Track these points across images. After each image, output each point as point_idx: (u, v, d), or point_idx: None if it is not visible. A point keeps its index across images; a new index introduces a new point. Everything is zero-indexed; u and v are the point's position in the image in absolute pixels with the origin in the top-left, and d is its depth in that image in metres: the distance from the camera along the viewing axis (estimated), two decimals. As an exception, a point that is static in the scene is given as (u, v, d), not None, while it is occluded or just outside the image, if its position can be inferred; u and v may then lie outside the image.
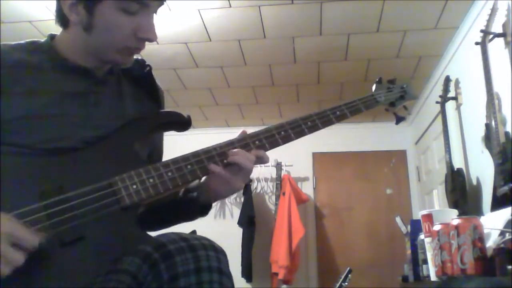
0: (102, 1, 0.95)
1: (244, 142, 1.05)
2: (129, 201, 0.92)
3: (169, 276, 0.84)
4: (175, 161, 0.99)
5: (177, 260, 0.85)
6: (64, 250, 0.85)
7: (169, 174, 0.97)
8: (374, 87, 1.26)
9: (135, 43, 1.00)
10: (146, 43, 1.02)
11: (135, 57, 1.11)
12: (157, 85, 1.16)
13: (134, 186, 0.93)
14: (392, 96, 1.25)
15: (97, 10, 0.95)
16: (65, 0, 0.97)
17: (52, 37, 1.06)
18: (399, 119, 1.27)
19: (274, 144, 1.07)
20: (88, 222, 0.88)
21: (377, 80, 1.27)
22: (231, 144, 1.04)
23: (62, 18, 1.01)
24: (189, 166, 0.99)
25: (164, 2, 1.02)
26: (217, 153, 1.02)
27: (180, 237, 0.90)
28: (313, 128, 1.11)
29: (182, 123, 1.07)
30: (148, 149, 1.10)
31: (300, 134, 1.10)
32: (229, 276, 0.90)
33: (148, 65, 1.13)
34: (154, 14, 1.02)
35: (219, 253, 0.89)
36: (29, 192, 0.86)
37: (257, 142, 1.05)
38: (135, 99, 1.11)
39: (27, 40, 1.04)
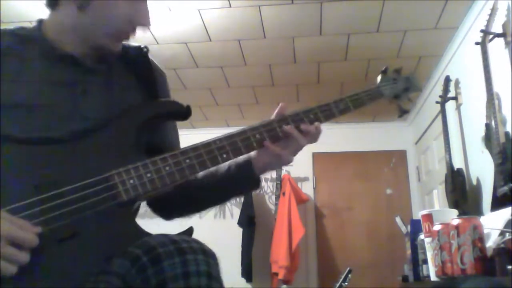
0: None
1: (244, 135, 1.04)
2: (126, 197, 0.91)
3: (157, 281, 0.82)
4: (173, 155, 0.97)
5: (165, 264, 0.82)
6: (58, 246, 0.84)
7: (167, 168, 0.95)
8: (379, 78, 1.21)
9: (127, 28, 0.99)
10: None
11: (134, 43, 1.09)
12: (154, 69, 1.12)
13: (132, 181, 0.91)
14: (397, 88, 1.21)
15: None
16: None
17: (41, 21, 1.03)
18: (403, 112, 1.22)
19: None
20: (83, 217, 0.86)
21: (383, 70, 1.22)
22: (229, 137, 1.02)
23: None
24: (187, 161, 0.97)
25: None
26: (217, 147, 1.00)
27: (170, 239, 0.87)
28: (316, 121, 1.09)
29: (180, 113, 1.05)
30: (148, 140, 1.07)
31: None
32: (218, 280, 0.87)
33: (145, 47, 1.09)
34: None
35: (208, 257, 0.86)
36: (21, 183, 0.85)
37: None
38: (127, 89, 1.07)
39: (17, 26, 1.02)
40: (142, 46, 1.10)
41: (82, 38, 0.99)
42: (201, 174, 1.09)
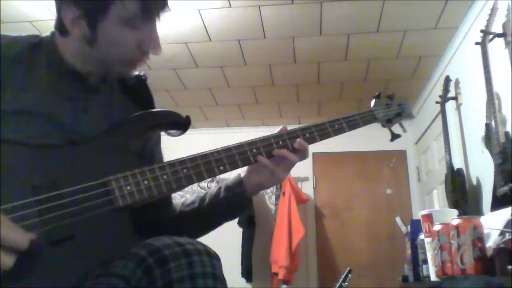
0: (105, 16, 0.94)
1: (241, 149, 1.05)
2: (123, 203, 0.91)
3: (163, 282, 0.83)
4: (171, 164, 0.98)
5: (171, 266, 0.83)
6: (52, 248, 0.84)
7: (165, 177, 0.96)
8: (372, 103, 1.25)
9: (139, 55, 1.00)
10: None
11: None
12: (151, 94, 1.14)
13: (129, 188, 0.92)
14: (390, 113, 1.25)
15: (100, 25, 0.95)
16: (67, 13, 0.96)
17: (54, 33, 1.04)
18: (394, 136, 1.26)
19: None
20: (78, 221, 0.87)
21: (376, 95, 1.26)
22: (227, 150, 1.03)
23: (62, 29, 1.00)
24: (185, 171, 0.98)
25: (168, 9, 1.03)
26: (214, 159, 1.01)
27: (175, 241, 0.88)
28: (312, 140, 1.13)
29: (180, 124, 1.06)
30: (143, 149, 1.09)
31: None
32: (223, 281, 0.89)
33: (144, 75, 1.12)
34: (158, 21, 1.02)
35: (213, 258, 0.88)
36: (19, 184, 0.85)
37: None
38: (126, 110, 1.08)
39: (31, 34, 1.03)
40: (141, 74, 1.12)
41: (94, 65, 1.01)
42: (188, 201, 1.12)
